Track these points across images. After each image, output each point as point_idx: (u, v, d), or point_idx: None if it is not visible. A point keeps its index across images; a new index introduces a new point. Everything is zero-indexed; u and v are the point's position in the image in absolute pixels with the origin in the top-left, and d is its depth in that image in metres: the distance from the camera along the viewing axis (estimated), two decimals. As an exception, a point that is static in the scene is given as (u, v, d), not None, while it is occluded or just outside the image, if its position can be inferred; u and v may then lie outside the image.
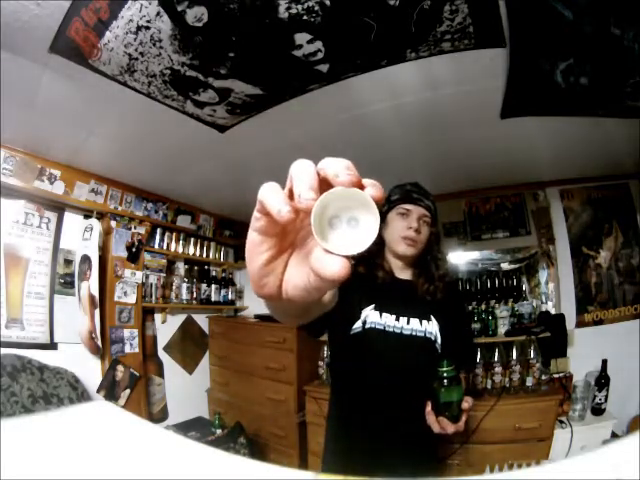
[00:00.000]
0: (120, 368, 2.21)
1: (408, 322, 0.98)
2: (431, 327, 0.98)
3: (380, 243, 1.05)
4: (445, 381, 0.83)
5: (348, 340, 0.96)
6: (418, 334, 0.97)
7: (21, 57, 1.19)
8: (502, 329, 1.98)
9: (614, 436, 1.75)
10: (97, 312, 2.08)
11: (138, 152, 1.94)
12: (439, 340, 0.98)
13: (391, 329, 0.96)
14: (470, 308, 2.07)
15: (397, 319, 0.98)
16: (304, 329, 0.75)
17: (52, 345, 1.99)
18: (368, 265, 1.03)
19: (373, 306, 0.98)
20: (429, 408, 0.86)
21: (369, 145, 1.84)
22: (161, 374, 2.61)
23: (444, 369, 0.85)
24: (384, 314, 0.98)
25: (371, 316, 0.97)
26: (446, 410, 0.83)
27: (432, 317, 0.99)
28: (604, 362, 1.84)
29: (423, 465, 0.98)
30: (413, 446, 0.95)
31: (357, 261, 1.01)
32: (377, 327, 0.96)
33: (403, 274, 1.06)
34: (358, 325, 0.96)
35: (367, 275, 1.02)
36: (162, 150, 1.90)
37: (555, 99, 1.37)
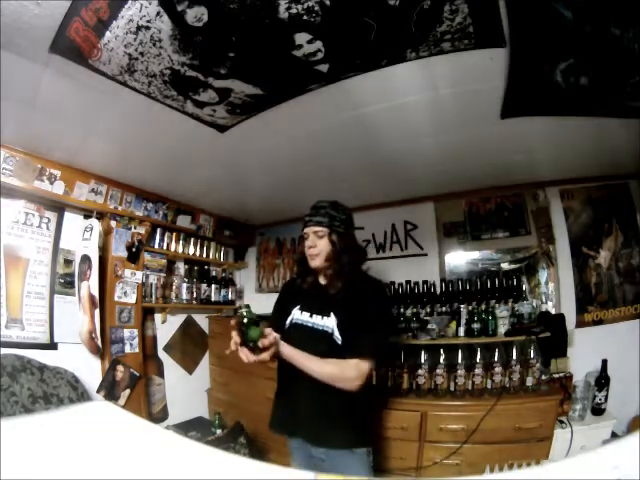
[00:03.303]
0: (120, 368, 2.21)
1: (315, 317, 1.24)
2: (329, 322, 1.21)
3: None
4: (245, 320, 1.05)
5: (284, 331, 1.27)
6: (318, 327, 1.22)
7: (21, 57, 1.19)
8: (502, 329, 1.98)
9: (614, 436, 1.75)
10: (97, 312, 2.08)
11: (138, 152, 1.94)
12: (336, 333, 1.18)
13: (305, 323, 1.26)
14: (470, 308, 2.07)
15: (311, 316, 1.26)
16: None
17: (52, 345, 1.99)
18: (303, 278, 1.34)
19: (299, 306, 1.30)
20: (239, 341, 1.06)
21: (369, 145, 1.84)
22: (161, 374, 2.61)
23: (243, 311, 1.07)
24: (304, 312, 1.28)
25: (295, 314, 1.30)
26: (248, 344, 1.06)
27: (331, 313, 1.21)
28: (604, 362, 1.84)
29: (334, 422, 1.18)
30: (322, 408, 1.17)
31: (301, 277, 1.36)
32: (297, 322, 1.28)
33: (324, 280, 1.31)
34: (288, 320, 1.30)
35: (301, 285, 1.35)
36: (162, 150, 1.90)
37: (555, 99, 1.37)
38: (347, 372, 1.12)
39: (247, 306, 1.10)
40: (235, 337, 1.08)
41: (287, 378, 1.26)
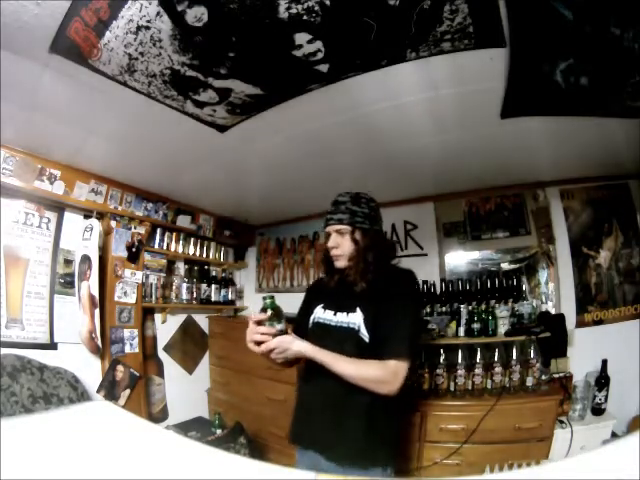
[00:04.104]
0: (120, 368, 2.21)
1: (339, 315, 1.14)
2: (354, 318, 1.10)
3: None
4: (269, 312, 1.02)
5: (308, 331, 1.20)
6: (343, 325, 1.12)
7: (21, 57, 1.19)
8: (502, 329, 1.98)
9: (614, 436, 1.75)
10: (97, 312, 2.08)
11: (138, 152, 1.94)
12: (363, 330, 1.08)
13: (328, 322, 1.16)
14: (470, 308, 2.07)
15: (335, 314, 1.16)
16: None
17: (52, 345, 1.99)
18: (329, 277, 1.25)
19: (322, 304, 1.21)
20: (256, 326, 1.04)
21: (369, 145, 1.84)
22: (161, 374, 2.61)
23: (267, 301, 1.04)
24: (327, 310, 1.19)
25: (317, 312, 1.21)
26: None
27: (357, 309, 1.11)
28: (604, 362, 1.84)
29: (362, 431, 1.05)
30: (347, 415, 1.06)
31: (327, 275, 1.27)
32: (319, 321, 1.19)
33: (351, 278, 1.19)
34: (311, 319, 1.21)
35: (327, 284, 1.25)
36: (162, 150, 1.90)
37: (555, 99, 1.37)
38: (386, 374, 1.00)
39: (271, 297, 1.05)
40: (252, 327, 1.04)
41: (309, 380, 1.17)
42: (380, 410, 1.06)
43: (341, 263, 1.17)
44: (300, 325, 1.24)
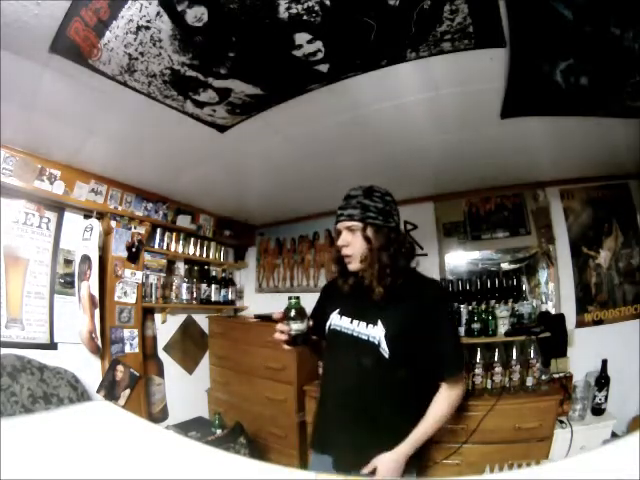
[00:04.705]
0: (120, 368, 2.21)
1: (358, 325, 1.08)
2: (375, 331, 1.03)
3: None
4: (292, 314, 1.05)
5: (324, 337, 1.17)
6: (362, 337, 1.05)
7: (21, 57, 1.19)
8: (502, 329, 1.98)
9: (614, 436, 1.75)
10: (97, 312, 2.08)
11: (138, 152, 1.94)
12: (383, 344, 1.01)
13: (344, 330, 1.10)
14: (470, 308, 2.07)
15: (351, 322, 1.09)
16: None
17: (52, 345, 1.99)
18: (343, 279, 1.16)
19: (338, 310, 1.14)
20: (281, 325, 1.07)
21: (369, 145, 1.83)
22: (161, 374, 2.61)
23: (292, 301, 1.06)
24: (343, 317, 1.12)
25: (334, 318, 1.14)
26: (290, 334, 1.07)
27: (379, 322, 1.03)
28: (604, 362, 1.84)
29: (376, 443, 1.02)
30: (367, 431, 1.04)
31: (341, 277, 1.18)
32: (335, 328, 1.12)
33: (367, 282, 1.11)
34: (327, 325, 1.16)
35: (341, 287, 1.16)
36: (162, 150, 1.90)
37: (555, 99, 1.37)
38: (457, 400, 1.05)
39: (296, 297, 1.07)
40: (280, 326, 1.08)
41: (329, 393, 1.15)
42: (399, 419, 1.05)
43: (354, 266, 1.08)
44: (313, 326, 1.19)
